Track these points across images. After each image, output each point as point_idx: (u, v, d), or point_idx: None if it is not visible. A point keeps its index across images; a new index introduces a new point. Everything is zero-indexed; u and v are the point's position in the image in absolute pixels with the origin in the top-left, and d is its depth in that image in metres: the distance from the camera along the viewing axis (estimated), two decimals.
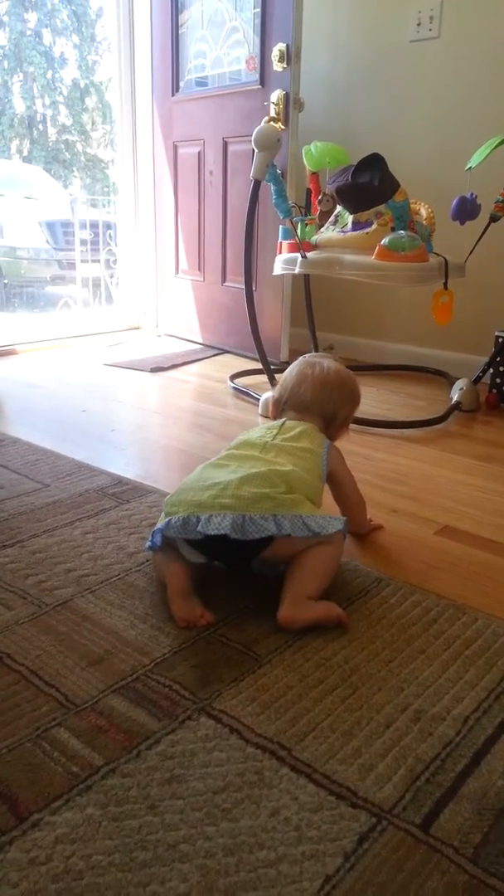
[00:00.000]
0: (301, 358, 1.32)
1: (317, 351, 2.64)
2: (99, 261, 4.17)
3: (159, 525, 1.06)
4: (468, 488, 1.56)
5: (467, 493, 1.53)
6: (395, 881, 0.63)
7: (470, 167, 1.95)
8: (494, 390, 2.21)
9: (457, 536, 1.33)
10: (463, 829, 0.69)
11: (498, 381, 2.21)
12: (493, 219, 2.02)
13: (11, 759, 0.77)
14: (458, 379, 2.24)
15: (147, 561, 1.19)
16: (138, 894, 0.62)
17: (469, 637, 0.99)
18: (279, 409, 1.28)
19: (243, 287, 2.19)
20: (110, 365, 2.69)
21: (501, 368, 2.20)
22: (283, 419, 1.24)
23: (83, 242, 4.41)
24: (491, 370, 2.22)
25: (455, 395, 2.14)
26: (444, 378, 2.48)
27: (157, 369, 2.60)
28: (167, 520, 1.04)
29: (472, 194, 1.97)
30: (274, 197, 2.07)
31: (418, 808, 0.71)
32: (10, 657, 0.94)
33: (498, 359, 2.19)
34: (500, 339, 2.18)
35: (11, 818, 0.69)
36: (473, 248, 2.04)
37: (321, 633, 0.99)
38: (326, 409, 1.24)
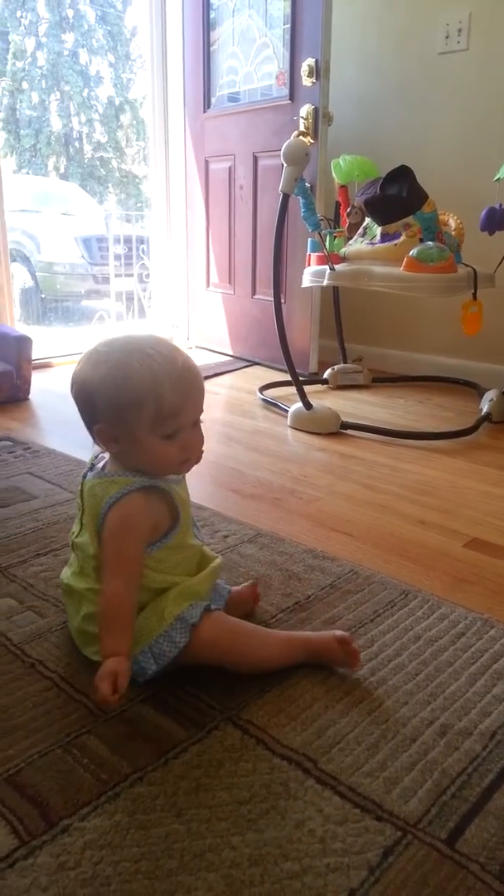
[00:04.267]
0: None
1: (345, 363, 2.64)
2: (132, 275, 4.24)
3: None
4: (498, 500, 1.55)
5: (497, 506, 1.52)
6: None
7: (499, 178, 1.94)
8: None
9: (486, 549, 1.31)
10: (489, 844, 0.68)
11: None
12: None
13: (42, 764, 0.78)
14: (487, 390, 2.22)
15: None
16: None
17: (497, 651, 0.98)
18: None
19: (272, 300, 2.21)
20: None
21: None
22: (85, 474, 0.96)
23: (117, 257, 4.49)
24: None
25: (485, 406, 2.12)
26: (473, 389, 2.46)
27: None
28: None
29: (500, 205, 1.96)
30: (303, 210, 2.08)
31: (444, 823, 0.70)
32: (43, 664, 0.96)
33: None
34: None
35: (42, 823, 0.71)
36: (503, 258, 2.02)
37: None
38: (94, 434, 0.90)
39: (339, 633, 0.93)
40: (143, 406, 0.85)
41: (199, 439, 0.93)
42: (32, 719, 0.85)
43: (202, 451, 0.94)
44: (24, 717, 0.86)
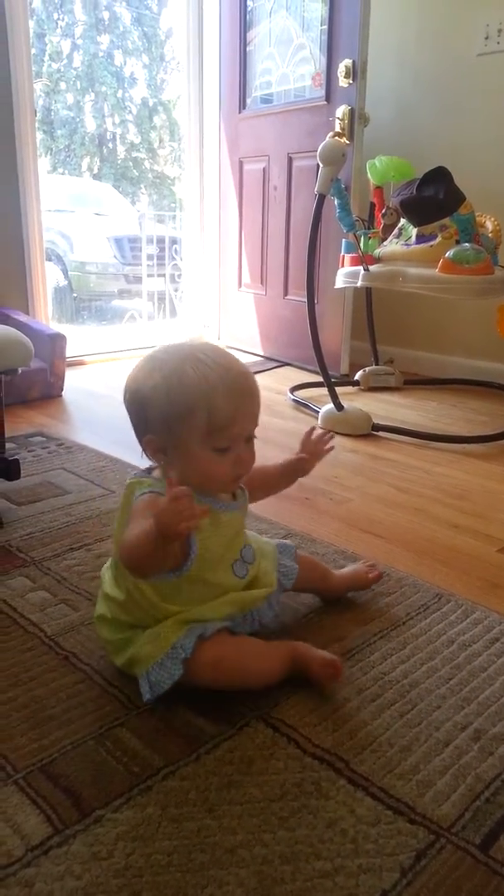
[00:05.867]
0: None
1: (377, 364, 2.62)
2: (164, 275, 4.27)
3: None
4: None
5: None
6: None
7: None
8: None
9: None
10: None
11: None
12: None
13: (76, 755, 0.79)
14: None
15: None
16: (196, 895, 0.63)
17: None
18: None
19: (304, 300, 2.20)
20: None
21: None
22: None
23: (149, 257, 4.53)
24: None
25: None
26: None
27: None
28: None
29: None
30: (338, 211, 2.08)
31: (478, 828, 0.70)
32: (76, 656, 0.97)
33: None
34: None
35: (75, 812, 0.72)
36: None
37: (378, 647, 0.99)
38: (143, 445, 0.90)
39: (329, 656, 0.89)
40: (194, 415, 0.82)
41: (252, 456, 0.88)
42: (66, 710, 0.86)
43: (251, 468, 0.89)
44: (58, 709, 0.87)
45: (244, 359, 3.08)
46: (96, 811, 0.72)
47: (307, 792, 0.74)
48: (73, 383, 2.54)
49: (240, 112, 3.04)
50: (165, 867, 0.66)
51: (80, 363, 2.93)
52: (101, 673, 0.93)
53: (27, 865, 0.66)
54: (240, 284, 3.22)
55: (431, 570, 1.22)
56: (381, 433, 2.00)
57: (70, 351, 2.54)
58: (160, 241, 4.58)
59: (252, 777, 0.76)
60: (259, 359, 3.08)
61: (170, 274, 4.25)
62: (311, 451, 1.02)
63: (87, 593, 1.13)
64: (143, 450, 0.89)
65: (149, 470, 0.92)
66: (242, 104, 3.03)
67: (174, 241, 4.46)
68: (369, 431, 1.99)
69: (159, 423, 0.84)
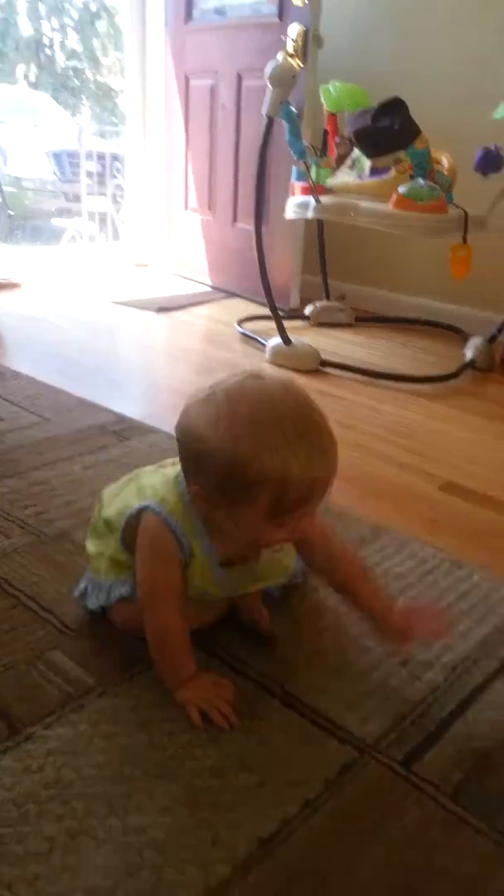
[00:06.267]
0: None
1: (328, 300, 2.59)
2: (105, 194, 4.05)
3: None
4: (476, 447, 1.55)
5: (475, 451, 1.52)
6: (374, 811, 0.66)
7: (497, 116, 1.87)
8: None
9: (461, 493, 1.32)
10: (444, 769, 0.71)
11: None
12: None
13: (6, 677, 0.79)
14: (472, 336, 2.21)
15: None
16: (125, 805, 0.65)
17: (465, 590, 1.00)
18: None
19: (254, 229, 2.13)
20: (115, 303, 2.64)
21: None
22: None
23: (90, 174, 4.28)
24: None
25: (469, 353, 2.11)
26: (457, 334, 2.43)
27: (163, 310, 2.56)
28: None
29: (496, 146, 1.91)
30: (287, 136, 1.99)
31: (402, 747, 0.73)
32: (9, 583, 0.95)
33: None
34: None
35: (5, 730, 0.72)
36: (495, 202, 1.97)
37: (315, 577, 0.99)
38: (190, 489, 0.77)
39: (257, 616, 0.89)
40: (262, 490, 0.68)
41: (311, 525, 0.77)
42: None
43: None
44: None
45: (192, 289, 2.99)
46: (27, 728, 0.72)
47: (240, 712, 0.75)
48: (7, 307, 2.42)
49: (186, 23, 2.85)
50: (96, 779, 0.67)
51: (15, 286, 2.78)
52: (35, 598, 0.92)
53: None
54: (186, 206, 3.09)
55: (372, 506, 1.24)
56: (328, 369, 1.99)
57: (3, 273, 2.41)
58: (101, 157, 4.31)
59: None
60: (207, 289, 3.00)
61: (112, 193, 4.03)
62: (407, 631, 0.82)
63: (19, 521, 1.10)
64: (187, 486, 0.77)
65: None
66: (189, 14, 2.83)
67: (116, 158, 4.21)
68: (317, 367, 1.98)
69: (216, 482, 0.70)
